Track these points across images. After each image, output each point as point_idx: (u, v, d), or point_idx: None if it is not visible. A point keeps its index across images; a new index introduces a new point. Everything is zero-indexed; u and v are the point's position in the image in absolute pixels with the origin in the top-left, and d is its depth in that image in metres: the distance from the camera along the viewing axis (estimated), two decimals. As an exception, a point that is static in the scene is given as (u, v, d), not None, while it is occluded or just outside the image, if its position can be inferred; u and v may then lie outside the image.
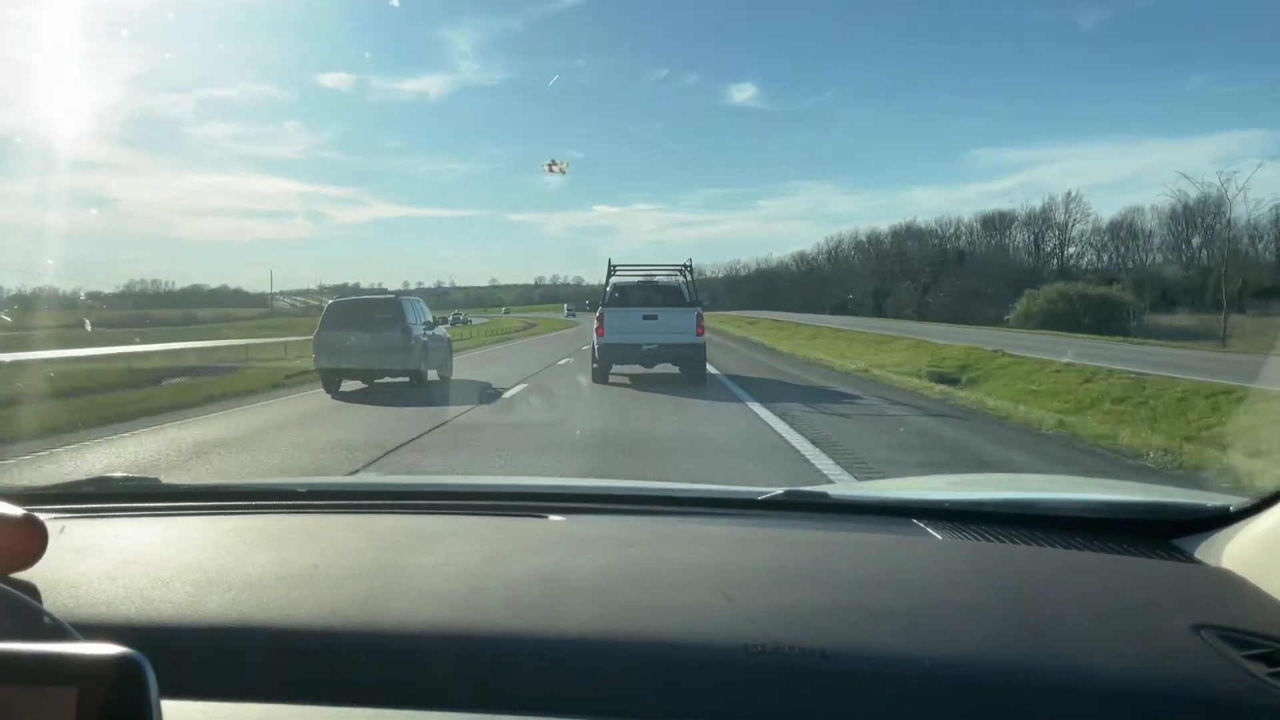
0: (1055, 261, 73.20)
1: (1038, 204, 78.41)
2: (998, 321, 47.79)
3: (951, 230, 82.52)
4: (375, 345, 12.97)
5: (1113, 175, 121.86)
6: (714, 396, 11.64)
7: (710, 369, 14.50)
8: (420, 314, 14.44)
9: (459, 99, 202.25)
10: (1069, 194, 77.22)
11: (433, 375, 14.34)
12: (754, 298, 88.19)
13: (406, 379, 13.45)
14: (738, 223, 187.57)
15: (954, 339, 24.08)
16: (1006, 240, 78.07)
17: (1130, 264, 66.61)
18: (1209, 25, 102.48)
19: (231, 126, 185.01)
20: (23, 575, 0.69)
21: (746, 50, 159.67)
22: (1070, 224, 75.11)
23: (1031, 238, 76.79)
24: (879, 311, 66.53)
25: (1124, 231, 71.88)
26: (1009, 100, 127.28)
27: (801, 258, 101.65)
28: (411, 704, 0.67)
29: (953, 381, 14.70)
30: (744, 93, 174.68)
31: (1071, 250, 74.80)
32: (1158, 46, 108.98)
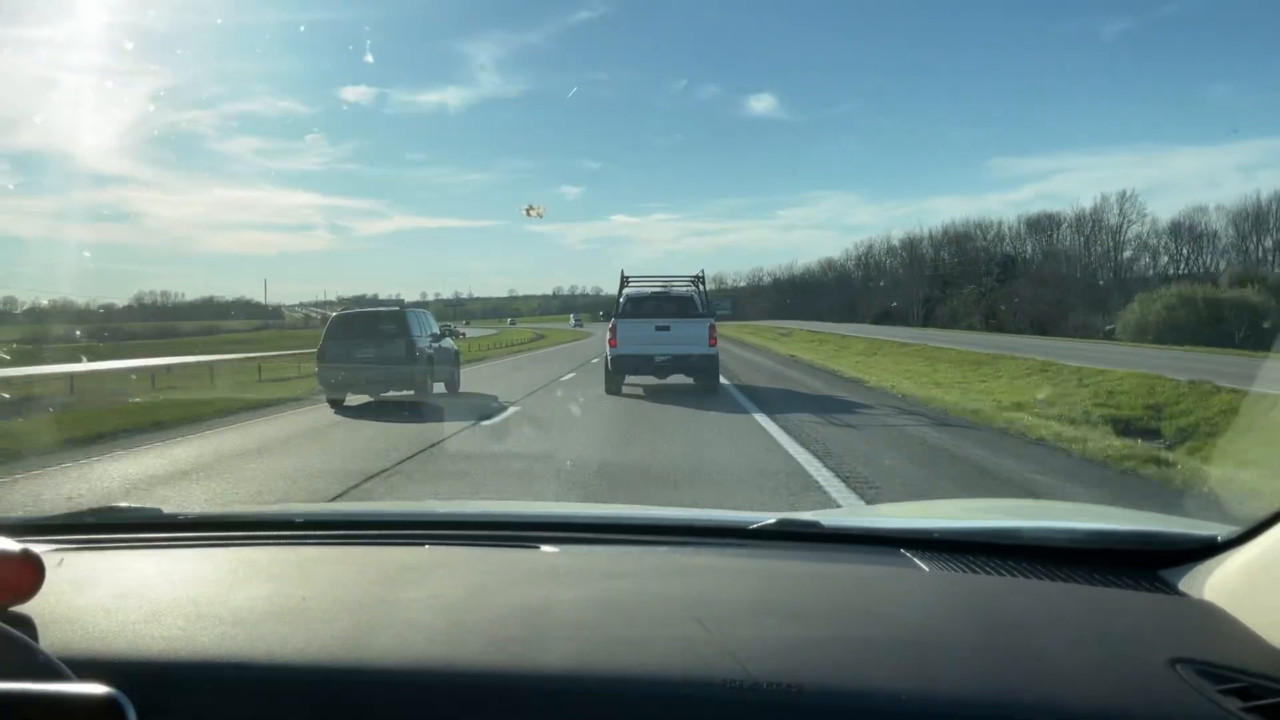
0: (1110, 266, 71.28)
1: (1087, 204, 76.30)
2: (1092, 333, 42.73)
3: (994, 233, 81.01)
4: (379, 358, 13.07)
5: (1133, 185, 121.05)
6: (787, 485, 6.17)
7: (760, 418, 10.41)
8: (426, 326, 14.58)
9: (479, 111, 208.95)
10: (1124, 193, 73.92)
11: (439, 388, 14.38)
12: (781, 307, 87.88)
13: (411, 393, 13.43)
14: (756, 232, 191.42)
15: (1088, 359, 18.22)
16: (1053, 244, 76.19)
17: (1196, 269, 64.02)
18: (1232, 34, 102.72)
19: (254, 141, 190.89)
20: (20, 609, 0.72)
21: (765, 61, 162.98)
22: (1124, 226, 72.49)
23: (1081, 240, 74.60)
24: (929, 320, 64.51)
25: (1185, 233, 69.24)
26: (1029, 109, 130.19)
27: (829, 265, 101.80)
28: None
29: (1149, 435, 9.27)
30: (763, 103, 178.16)
31: (1127, 254, 72.37)
32: (1180, 55, 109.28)
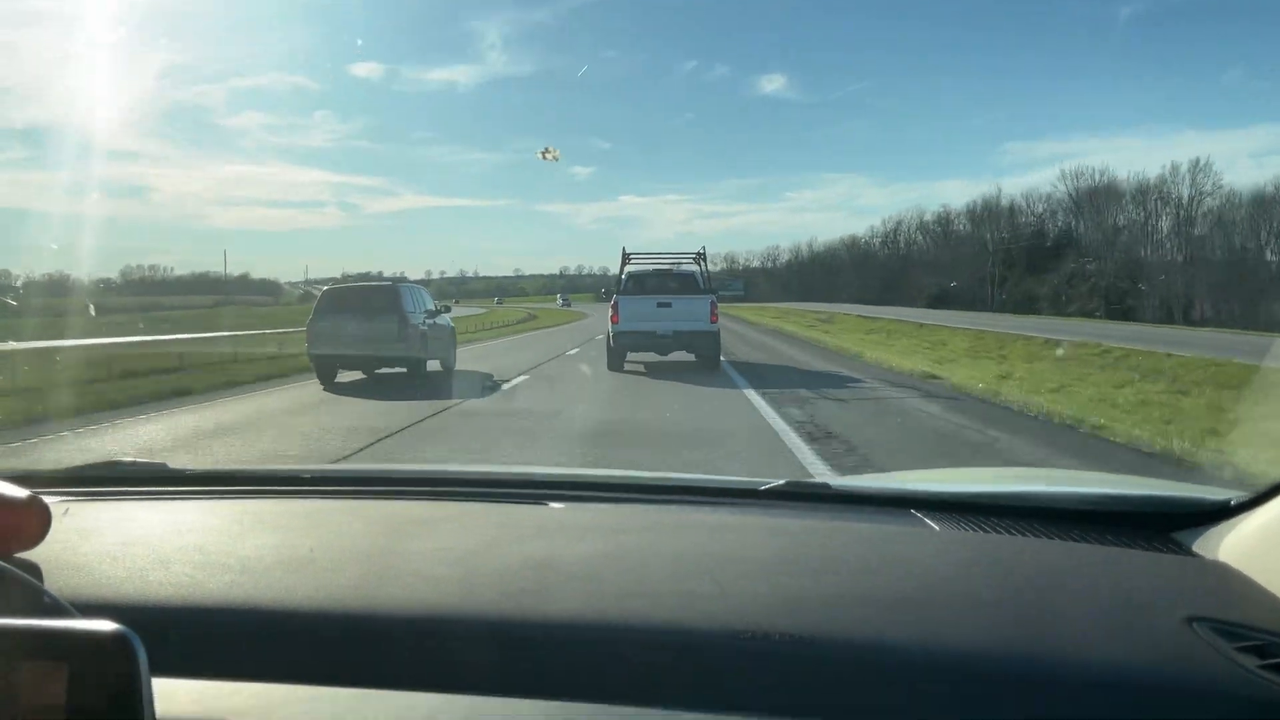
0: (1179, 242, 65.28)
1: (1150, 174, 70.66)
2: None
3: (1042, 208, 76.89)
4: (371, 334, 13.18)
5: (1145, 169, 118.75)
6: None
7: None
8: (420, 302, 14.67)
9: (488, 90, 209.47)
10: (1196, 161, 67.80)
11: (434, 365, 14.55)
12: (804, 289, 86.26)
13: (404, 369, 13.64)
14: (767, 214, 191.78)
15: None
16: (1107, 218, 71.07)
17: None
18: (1245, 17, 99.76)
19: (263, 116, 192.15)
20: (26, 555, 0.75)
21: (776, 41, 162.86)
22: (1196, 198, 66.13)
23: (1142, 215, 69.15)
24: (996, 304, 58.58)
25: (1272, 205, 62.48)
26: (1042, 93, 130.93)
27: (852, 243, 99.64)
28: (401, 685, 0.72)
29: None
30: (774, 83, 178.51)
31: (1198, 231, 65.63)
32: (1193, 39, 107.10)
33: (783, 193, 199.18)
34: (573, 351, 20.90)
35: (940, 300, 61.58)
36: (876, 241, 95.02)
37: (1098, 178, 73.57)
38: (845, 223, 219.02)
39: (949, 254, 78.60)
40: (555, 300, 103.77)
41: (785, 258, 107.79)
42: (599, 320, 35.97)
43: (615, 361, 14.59)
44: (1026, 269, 65.46)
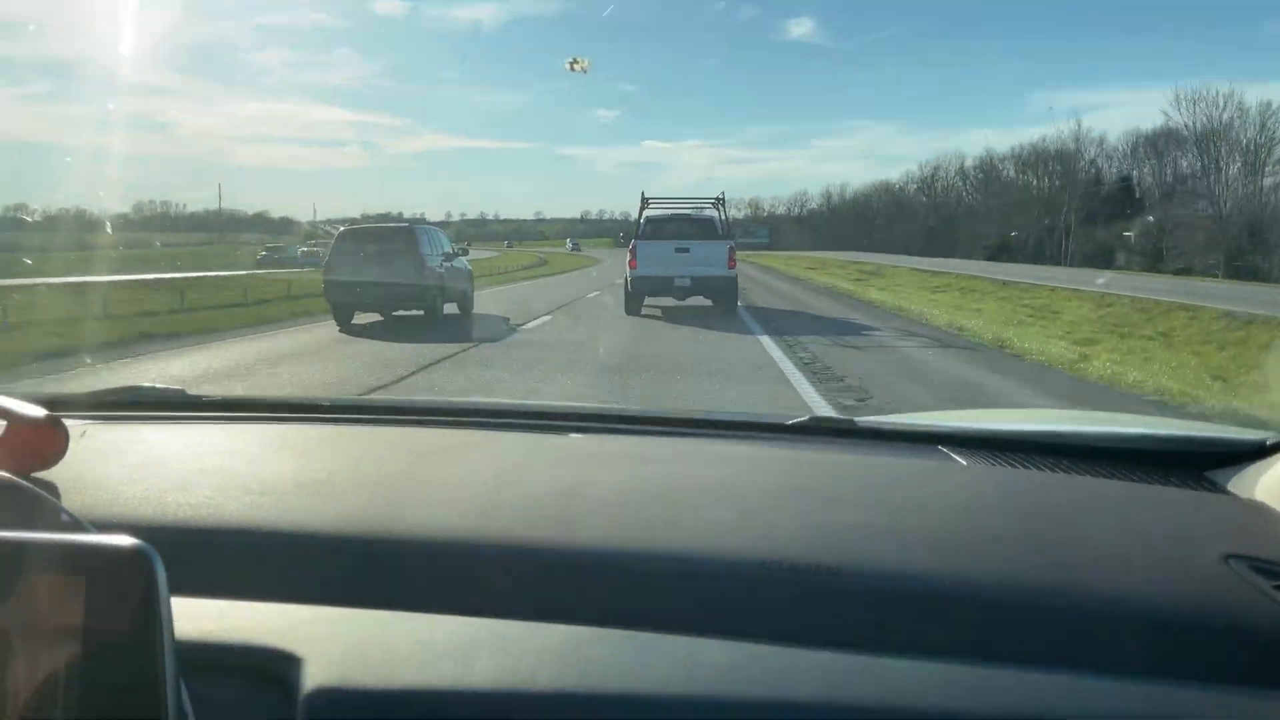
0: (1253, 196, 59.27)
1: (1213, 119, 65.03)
2: None
3: (1094, 152, 73.04)
4: (387, 276, 13.23)
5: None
6: None
7: None
8: (438, 244, 14.72)
9: (512, 29, 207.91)
10: (1268, 103, 62.58)
11: (451, 309, 14.64)
12: (835, 237, 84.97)
13: (420, 312, 13.73)
14: (792, 162, 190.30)
15: None
16: (1167, 165, 67.27)
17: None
18: None
19: (286, 54, 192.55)
20: (44, 475, 0.75)
21: None
22: (1269, 145, 60.96)
23: (1201, 162, 64.39)
24: (1062, 257, 54.01)
25: None
26: (1072, 41, 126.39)
27: (885, 189, 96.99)
28: (424, 608, 0.72)
29: None
30: (801, 27, 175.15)
31: (1268, 181, 59.86)
32: None
33: (809, 140, 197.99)
34: (592, 295, 21.01)
35: (1000, 253, 57.54)
36: (913, 188, 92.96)
37: (1219, 106, 63.74)
38: (872, 172, 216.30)
39: (996, 202, 75.69)
40: (565, 245, 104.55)
41: (813, 204, 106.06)
42: (610, 269, 35.11)
43: (633, 306, 14.82)
44: (1105, 218, 61.05)
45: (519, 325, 13.22)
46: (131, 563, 0.51)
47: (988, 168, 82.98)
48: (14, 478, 0.69)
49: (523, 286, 28.47)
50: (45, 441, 0.76)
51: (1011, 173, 79.94)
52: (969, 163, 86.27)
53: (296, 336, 12.31)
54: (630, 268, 14.82)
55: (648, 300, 14.96)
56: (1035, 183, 75.18)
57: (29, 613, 0.50)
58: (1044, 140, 77.99)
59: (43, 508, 0.66)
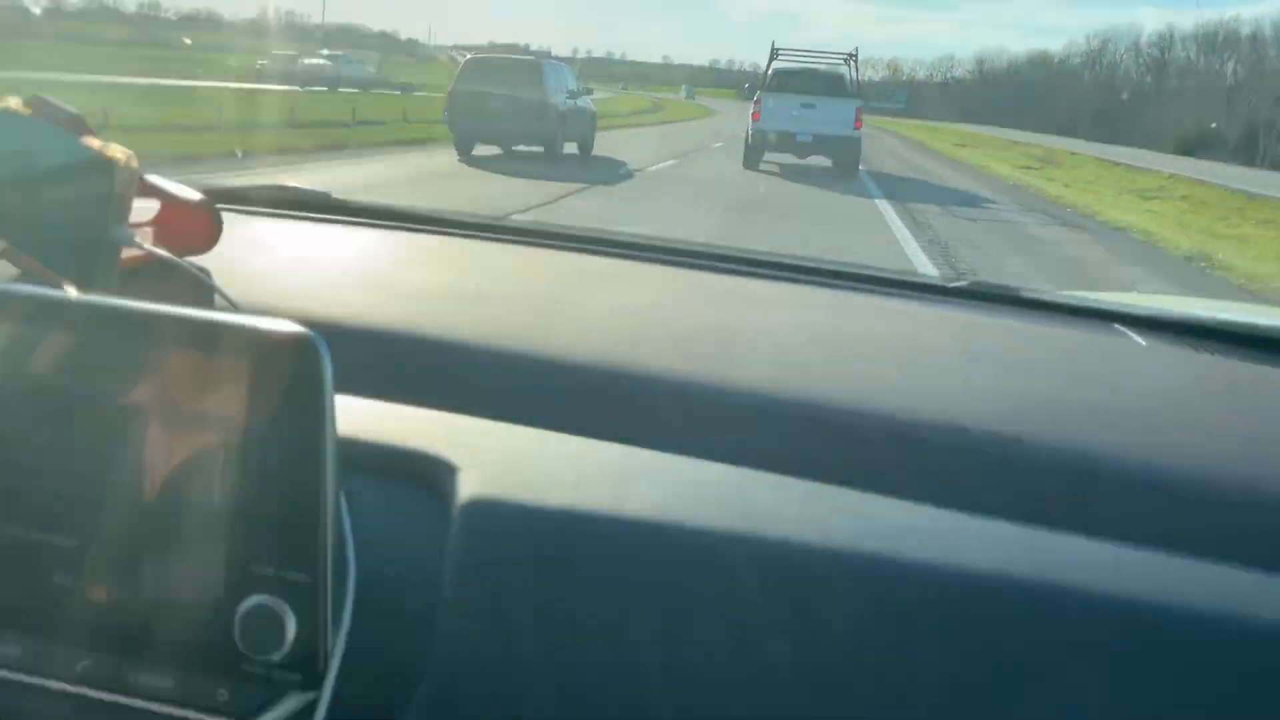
0: None
1: None
2: None
3: None
4: (511, 109, 13.26)
5: None
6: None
7: None
8: (563, 81, 14.61)
9: None
10: None
11: (570, 148, 14.60)
12: (983, 110, 79.61)
13: (540, 149, 13.76)
14: (937, 25, 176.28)
15: None
16: None
17: None
18: None
19: None
20: (196, 260, 0.73)
21: None
22: None
23: None
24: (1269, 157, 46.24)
25: None
26: None
27: (1043, 60, 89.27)
28: (577, 431, 0.74)
29: None
30: None
31: None
32: None
33: (957, 3, 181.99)
34: (717, 145, 20.55)
35: (1198, 145, 50.20)
36: (1077, 60, 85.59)
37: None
38: (1023, 42, 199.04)
39: (1176, 85, 69.25)
40: (680, 91, 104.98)
41: (960, 71, 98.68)
42: (728, 122, 33.80)
43: (752, 160, 14.83)
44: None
45: (635, 170, 13.06)
46: (301, 349, 0.49)
47: (1165, 46, 75.82)
48: (174, 257, 0.67)
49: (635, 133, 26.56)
50: (201, 225, 0.75)
51: (1193, 55, 72.60)
52: (1143, 40, 79.33)
53: (416, 161, 12.48)
54: (753, 120, 14.71)
55: (767, 156, 15.05)
56: (1220, 68, 67.82)
57: (191, 392, 0.50)
58: (1236, 19, 69.74)
59: (200, 289, 0.64)
